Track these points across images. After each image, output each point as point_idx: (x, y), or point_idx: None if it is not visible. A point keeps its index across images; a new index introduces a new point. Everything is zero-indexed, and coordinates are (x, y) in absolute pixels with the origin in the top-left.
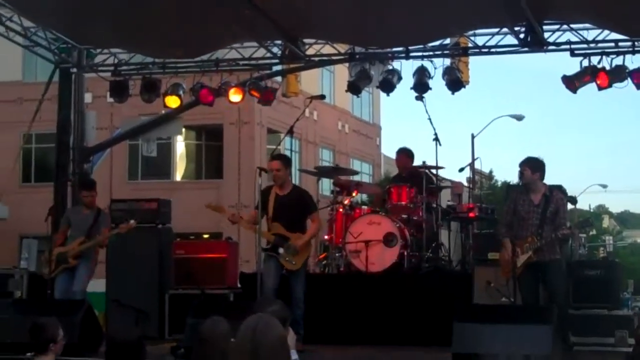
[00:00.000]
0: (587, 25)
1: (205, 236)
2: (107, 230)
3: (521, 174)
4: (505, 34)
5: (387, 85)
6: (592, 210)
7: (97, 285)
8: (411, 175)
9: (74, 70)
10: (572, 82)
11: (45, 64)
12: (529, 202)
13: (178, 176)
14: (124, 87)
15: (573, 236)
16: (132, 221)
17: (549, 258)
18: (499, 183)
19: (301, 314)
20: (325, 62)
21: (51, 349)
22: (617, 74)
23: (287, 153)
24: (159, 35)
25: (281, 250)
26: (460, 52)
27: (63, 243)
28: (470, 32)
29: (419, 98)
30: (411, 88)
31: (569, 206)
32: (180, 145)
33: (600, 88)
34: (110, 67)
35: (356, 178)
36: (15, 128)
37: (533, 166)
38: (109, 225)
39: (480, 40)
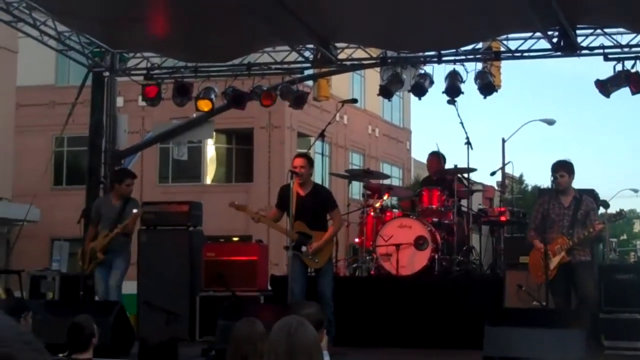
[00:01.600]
0: (620, 29)
1: (235, 239)
2: (132, 218)
3: (557, 179)
4: (538, 38)
5: (419, 89)
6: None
7: (129, 287)
8: (442, 179)
9: (107, 74)
10: (606, 87)
11: (78, 67)
12: (559, 205)
13: (208, 179)
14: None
15: (604, 240)
16: (134, 210)
17: (579, 259)
18: (530, 187)
19: (331, 312)
20: (357, 66)
21: (93, 343)
22: None
23: (318, 157)
24: (191, 39)
25: (303, 249)
26: (493, 57)
27: (96, 237)
28: (503, 37)
29: (451, 102)
30: (443, 92)
31: (601, 210)
32: (210, 149)
33: (633, 92)
34: (143, 71)
35: (386, 182)
36: (48, 131)
37: (569, 170)
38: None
39: (512, 45)
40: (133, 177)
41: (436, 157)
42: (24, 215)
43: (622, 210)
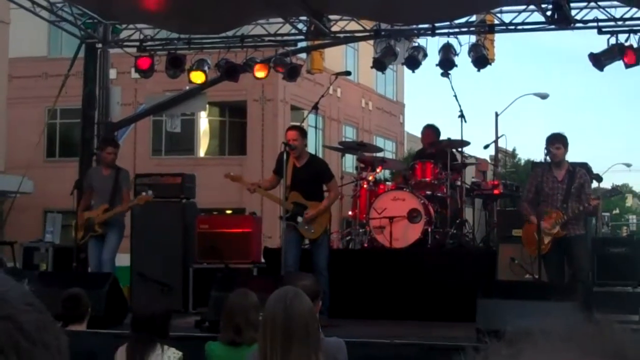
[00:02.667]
0: (614, 2)
1: (228, 212)
2: (127, 192)
3: (552, 151)
4: (532, 11)
5: (413, 62)
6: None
7: (122, 259)
8: (436, 152)
9: (100, 45)
10: (599, 60)
11: (70, 39)
12: (553, 179)
13: (201, 152)
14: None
15: (597, 215)
16: (150, 192)
17: (574, 233)
18: (522, 161)
19: (325, 282)
20: (350, 38)
21: (87, 316)
22: None
23: (311, 130)
24: (184, 11)
25: (299, 219)
26: (487, 30)
27: (89, 207)
28: (497, 9)
29: (445, 75)
30: (437, 65)
31: (594, 184)
32: (204, 122)
33: (627, 66)
34: (136, 43)
35: (379, 155)
36: (41, 103)
37: (565, 143)
38: (130, 185)
39: (506, 18)
40: (114, 145)
41: (431, 130)
42: (17, 187)
43: (616, 185)
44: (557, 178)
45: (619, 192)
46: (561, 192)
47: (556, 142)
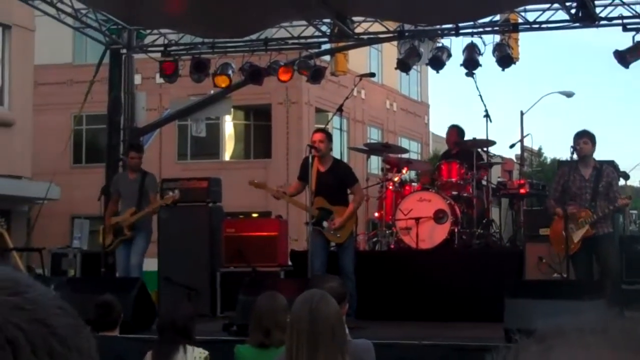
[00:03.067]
0: None
1: (255, 215)
2: (154, 195)
3: (578, 147)
4: (556, 9)
5: (437, 63)
6: None
7: (149, 264)
8: (461, 152)
9: (124, 51)
10: (625, 57)
11: (95, 45)
12: (580, 178)
13: (227, 156)
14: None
15: (624, 212)
16: (176, 191)
17: (602, 232)
18: (548, 160)
19: (352, 286)
20: (374, 40)
21: (119, 322)
22: None
23: (336, 132)
24: (208, 15)
25: (325, 224)
26: (511, 29)
27: (116, 212)
28: (521, 8)
29: (469, 75)
30: (461, 65)
31: (621, 182)
32: (228, 126)
33: None
34: (160, 48)
35: (405, 156)
36: (66, 110)
37: (592, 139)
38: (156, 189)
39: (530, 16)
40: (138, 149)
41: (455, 130)
42: (44, 194)
43: None
44: (584, 176)
45: None
46: (589, 191)
47: (584, 136)
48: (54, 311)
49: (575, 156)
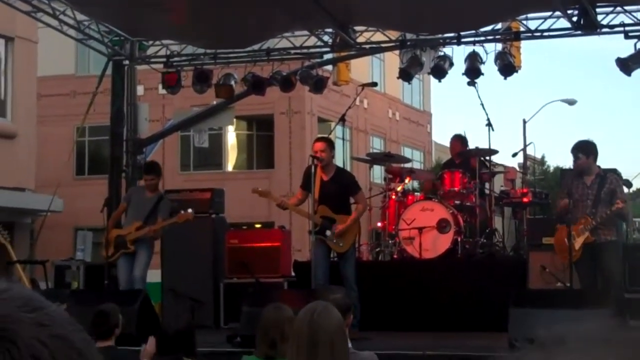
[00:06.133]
0: None
1: (258, 225)
2: (161, 220)
3: (575, 161)
4: (558, 17)
5: (439, 71)
6: None
7: (153, 275)
8: (464, 161)
9: (127, 62)
10: (627, 65)
11: (97, 57)
12: (583, 185)
13: (229, 166)
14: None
15: (627, 220)
16: (190, 210)
17: (605, 239)
18: (551, 168)
19: (355, 296)
20: (376, 49)
21: (115, 333)
22: None
23: (339, 141)
24: (210, 26)
25: (328, 233)
26: (513, 37)
27: (119, 222)
28: (522, 16)
29: (471, 83)
30: (463, 74)
31: (624, 190)
32: (231, 136)
33: None
34: (163, 59)
35: (407, 165)
36: (69, 121)
37: (585, 150)
38: (167, 214)
39: (532, 24)
40: (155, 173)
41: (459, 140)
42: (47, 206)
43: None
44: (586, 183)
45: None
46: (591, 198)
47: (577, 151)
48: (69, 327)
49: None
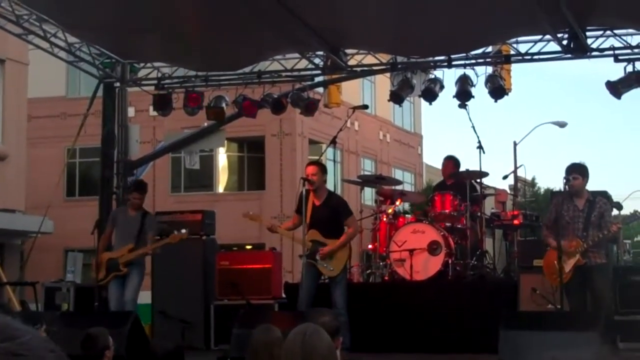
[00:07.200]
0: (630, 30)
1: (248, 247)
2: (152, 236)
3: (571, 181)
4: (548, 40)
5: (430, 94)
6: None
7: (143, 297)
8: (455, 183)
9: (118, 84)
10: (616, 88)
11: (88, 79)
12: (574, 208)
13: (220, 188)
14: (167, 100)
15: (618, 242)
16: (183, 231)
17: (595, 262)
18: (542, 190)
19: (344, 321)
20: (367, 72)
21: (107, 355)
22: None
23: (330, 163)
24: (201, 48)
25: (318, 257)
26: (503, 60)
27: (109, 246)
28: (513, 40)
29: (462, 106)
30: (454, 96)
31: (614, 212)
32: (222, 158)
33: None
34: (154, 81)
35: (398, 187)
36: (60, 143)
37: (583, 173)
38: (155, 229)
39: (522, 48)
40: (141, 191)
41: (452, 162)
42: (37, 227)
43: (637, 211)
44: (577, 207)
45: (638, 217)
46: (581, 221)
47: (574, 171)
48: (48, 353)
49: (567, 188)
